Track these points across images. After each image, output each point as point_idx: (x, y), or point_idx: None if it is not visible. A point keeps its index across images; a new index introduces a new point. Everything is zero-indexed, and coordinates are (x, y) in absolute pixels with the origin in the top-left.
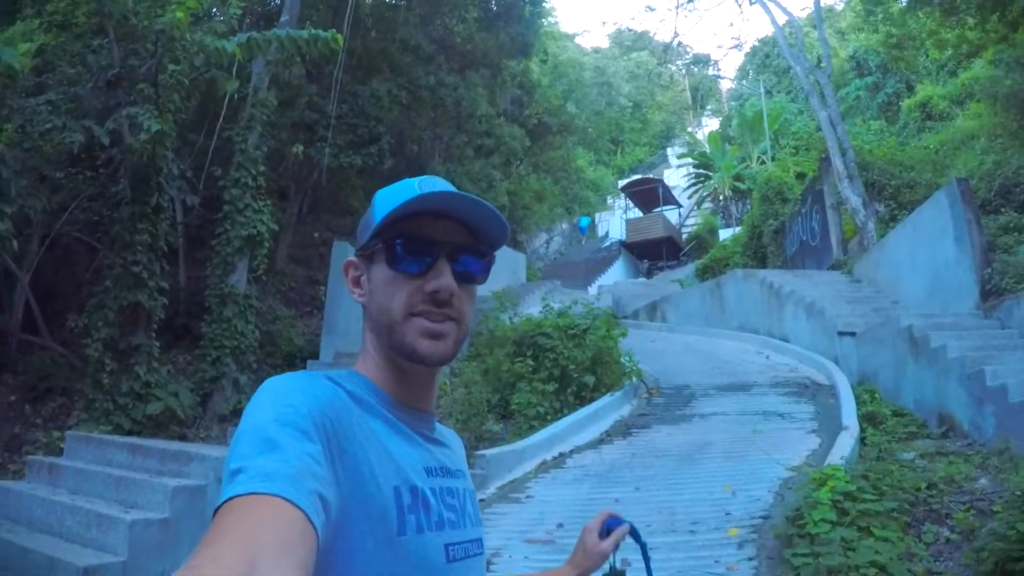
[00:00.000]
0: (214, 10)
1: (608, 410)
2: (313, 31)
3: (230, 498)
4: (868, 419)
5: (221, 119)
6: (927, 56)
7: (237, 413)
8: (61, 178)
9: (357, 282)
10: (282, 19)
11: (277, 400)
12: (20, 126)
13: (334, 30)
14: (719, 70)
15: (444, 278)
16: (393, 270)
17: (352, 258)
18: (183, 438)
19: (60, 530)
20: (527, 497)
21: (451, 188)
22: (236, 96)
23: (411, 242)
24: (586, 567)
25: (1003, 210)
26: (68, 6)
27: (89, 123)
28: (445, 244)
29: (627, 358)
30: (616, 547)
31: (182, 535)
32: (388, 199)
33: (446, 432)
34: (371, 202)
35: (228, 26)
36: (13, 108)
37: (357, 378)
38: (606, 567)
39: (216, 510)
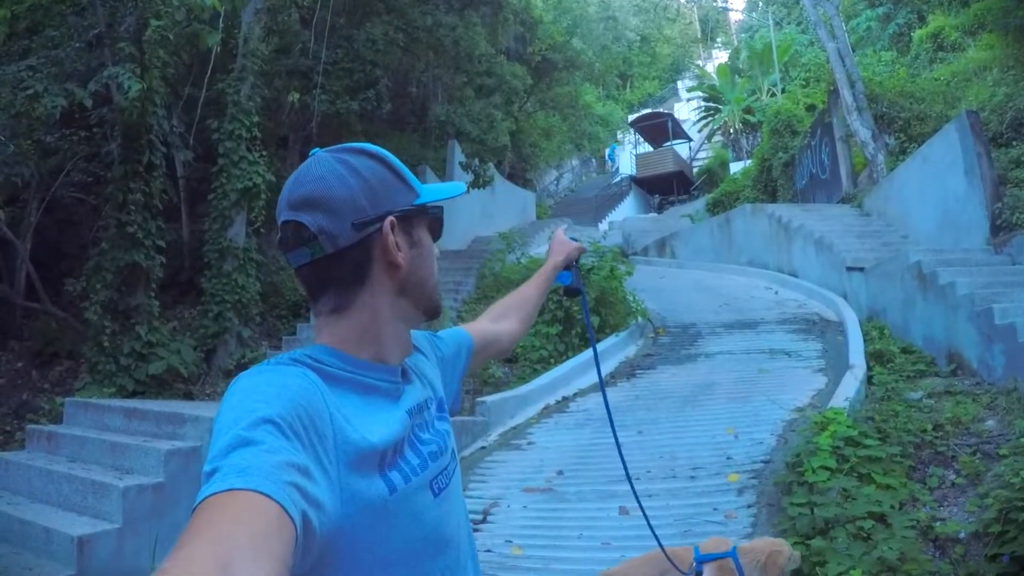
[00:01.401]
0: None
1: (613, 351)
2: None
3: (205, 498)
4: (876, 357)
5: (210, 71)
6: None
7: (242, 367)
8: (55, 141)
9: (396, 244)
10: None
11: (246, 399)
12: (4, 93)
13: None
14: (727, 2)
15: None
16: (433, 237)
17: (393, 219)
18: (188, 395)
19: (58, 499)
20: (528, 444)
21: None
22: (228, 46)
23: (437, 219)
24: (565, 252)
25: (1015, 143)
26: None
27: (72, 86)
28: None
29: (632, 297)
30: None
31: (177, 499)
32: (404, 169)
33: (410, 357)
34: (378, 155)
35: None
36: None
37: (322, 351)
38: (567, 278)
39: (192, 511)
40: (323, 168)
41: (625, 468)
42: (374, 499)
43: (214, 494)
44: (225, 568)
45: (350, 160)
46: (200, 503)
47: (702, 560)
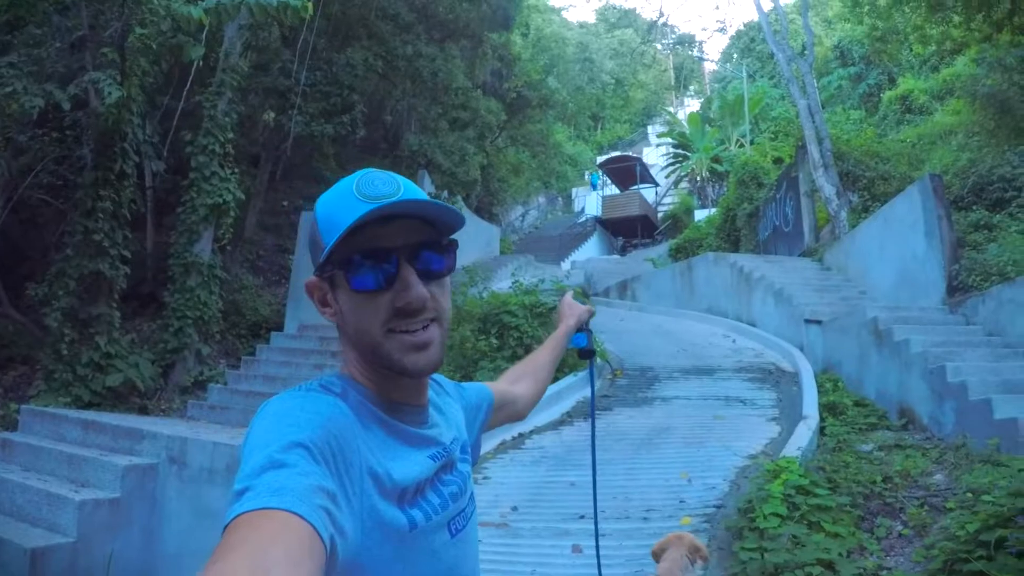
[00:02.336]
0: None
1: (571, 391)
2: None
3: (237, 515)
4: (829, 408)
5: (190, 83)
6: (911, 50)
7: (199, 385)
8: (26, 140)
9: (324, 301)
10: None
11: (280, 422)
12: None
13: None
14: (703, 52)
15: (412, 289)
16: (357, 292)
17: (312, 279)
18: (143, 410)
19: (11, 509)
20: (484, 479)
21: (392, 178)
22: (208, 60)
23: (368, 257)
24: (576, 315)
25: (975, 207)
26: None
27: (51, 87)
28: (403, 248)
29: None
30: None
31: (132, 515)
32: (330, 213)
33: (434, 396)
34: (314, 213)
35: None
36: None
37: (350, 384)
38: (582, 340)
39: (225, 527)
40: None
41: (595, 506)
42: (393, 534)
43: (248, 512)
44: None
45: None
46: (233, 520)
47: None
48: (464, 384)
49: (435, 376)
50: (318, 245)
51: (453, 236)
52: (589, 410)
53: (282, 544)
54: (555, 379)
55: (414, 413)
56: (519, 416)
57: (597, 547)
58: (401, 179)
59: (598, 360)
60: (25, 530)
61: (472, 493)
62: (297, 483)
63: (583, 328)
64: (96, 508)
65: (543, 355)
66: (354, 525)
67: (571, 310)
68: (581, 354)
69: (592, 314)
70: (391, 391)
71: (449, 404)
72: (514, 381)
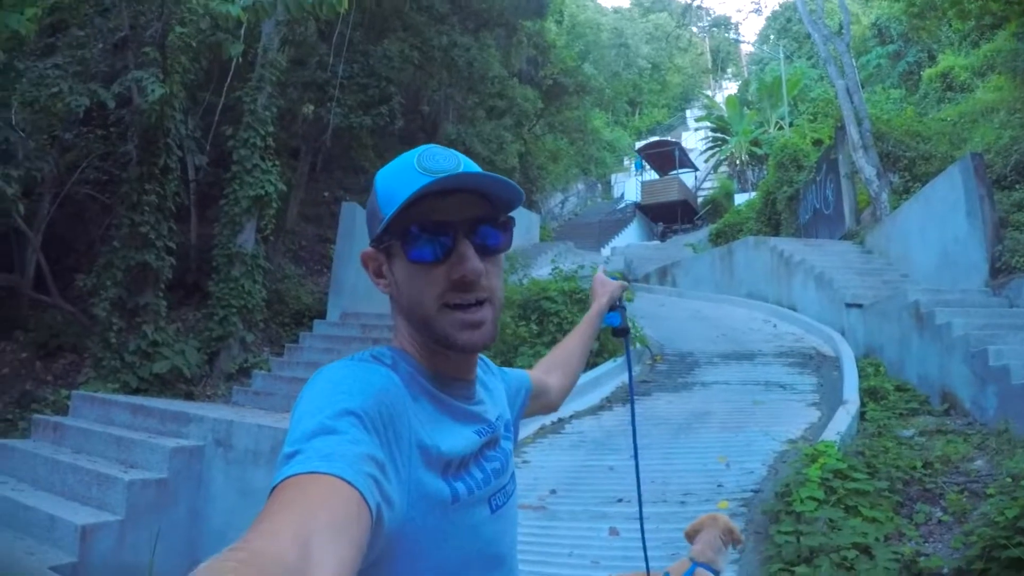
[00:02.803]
0: None
1: (610, 376)
2: None
3: (286, 477)
4: (870, 393)
5: (230, 78)
6: (950, 26)
7: (244, 372)
8: (72, 138)
9: (379, 272)
10: None
11: (333, 389)
12: (28, 89)
13: None
14: (739, 34)
15: (468, 262)
16: (414, 263)
17: (368, 249)
18: (189, 396)
19: (62, 488)
20: (523, 462)
21: (452, 154)
22: (247, 56)
23: (425, 229)
24: (608, 292)
25: (1017, 186)
26: None
27: (95, 87)
28: (461, 222)
29: (632, 323)
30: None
31: (179, 495)
32: (391, 185)
33: (481, 374)
34: (374, 184)
35: None
36: (20, 71)
37: (401, 356)
38: (616, 319)
39: (272, 489)
40: None
41: (639, 490)
42: (437, 505)
43: (296, 475)
44: (304, 545)
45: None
46: (281, 482)
47: None
48: (506, 368)
49: (482, 356)
50: (376, 216)
51: (511, 214)
52: (628, 393)
53: (328, 508)
54: (593, 365)
55: (463, 388)
56: (552, 407)
57: (643, 531)
58: (461, 156)
59: (637, 345)
60: (76, 508)
61: (513, 472)
62: (347, 450)
63: (616, 306)
64: (144, 488)
65: (574, 342)
66: (401, 496)
67: (603, 287)
68: (615, 332)
69: (625, 289)
70: (441, 365)
71: (494, 382)
72: (547, 372)
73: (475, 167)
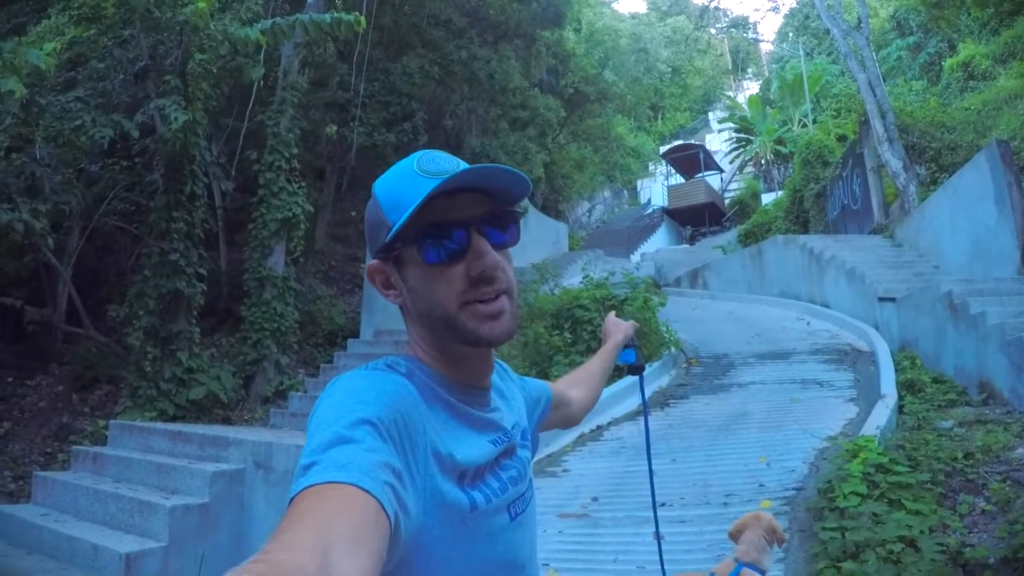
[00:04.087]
0: None
1: (646, 381)
2: (336, 14)
3: (304, 488)
4: (907, 387)
5: (252, 103)
6: (968, 14)
7: (280, 394)
8: (97, 170)
9: (388, 284)
10: (308, 1)
11: (348, 398)
12: (51, 124)
13: (357, 13)
14: (758, 33)
15: (487, 256)
16: (431, 265)
17: (374, 262)
18: (227, 421)
19: (104, 518)
20: (563, 471)
21: (450, 156)
22: (267, 79)
23: (440, 230)
24: (622, 331)
25: None
26: None
27: (118, 117)
28: (471, 220)
29: (665, 327)
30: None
31: (221, 519)
32: (394, 192)
33: (498, 381)
34: (373, 195)
35: (252, 12)
36: (43, 106)
37: (416, 365)
38: (631, 356)
39: (290, 501)
40: None
41: (653, 498)
42: (454, 514)
43: (314, 485)
44: (325, 554)
45: (369, 201)
46: (299, 492)
47: None
48: (526, 378)
49: (500, 362)
50: (382, 225)
51: (516, 208)
52: (671, 404)
53: (347, 517)
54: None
55: (478, 396)
56: (573, 420)
57: (661, 556)
58: (457, 158)
59: (672, 350)
60: (119, 537)
61: (531, 479)
62: (364, 459)
63: (631, 344)
64: (186, 513)
65: (594, 365)
66: (417, 504)
67: (616, 328)
68: (630, 370)
69: (637, 328)
70: (457, 372)
71: (512, 390)
72: (569, 386)
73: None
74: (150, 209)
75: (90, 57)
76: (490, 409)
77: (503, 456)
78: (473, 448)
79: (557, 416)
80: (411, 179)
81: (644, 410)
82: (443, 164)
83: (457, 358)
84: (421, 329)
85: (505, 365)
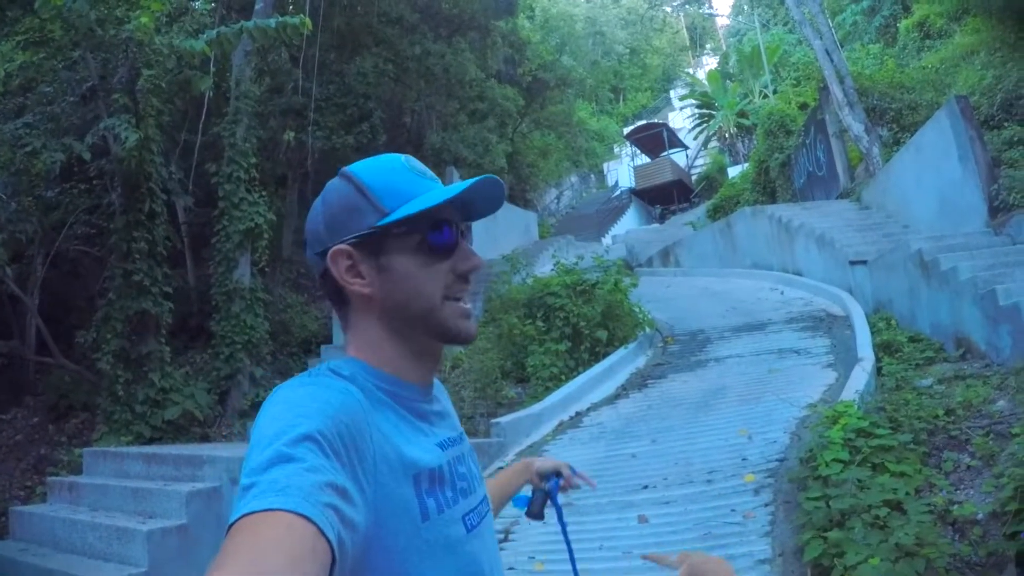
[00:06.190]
0: (195, 2)
1: (623, 363)
2: (280, 19)
3: (241, 516)
4: (884, 348)
5: (206, 115)
6: None
7: (257, 407)
8: (55, 195)
9: (354, 271)
10: (257, 7)
11: (288, 411)
12: (3, 152)
13: (302, 15)
14: (713, 8)
15: (474, 258)
16: (430, 256)
17: (341, 246)
18: (205, 438)
19: (83, 548)
20: None
21: (424, 168)
22: (221, 90)
23: (439, 226)
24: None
25: (1006, 124)
26: (39, 22)
27: (69, 140)
28: (457, 224)
29: (639, 308)
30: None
31: (201, 539)
32: (388, 181)
33: (437, 391)
34: (354, 178)
35: (199, 24)
36: None
37: (360, 367)
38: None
39: (229, 528)
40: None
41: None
42: (407, 523)
43: (252, 513)
44: None
45: (331, 186)
46: (237, 521)
47: None
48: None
49: (440, 384)
50: (365, 210)
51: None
52: (640, 381)
53: (284, 549)
54: (606, 354)
55: (422, 397)
56: None
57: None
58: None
59: (647, 330)
60: (98, 566)
61: (485, 497)
62: (304, 480)
63: (540, 485)
64: (164, 536)
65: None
66: (367, 516)
67: (528, 468)
68: (528, 514)
69: (554, 469)
70: (408, 370)
71: (451, 406)
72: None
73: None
74: (111, 231)
75: (40, 82)
76: (437, 403)
77: (456, 464)
78: (422, 451)
79: None
80: (405, 174)
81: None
82: (428, 169)
83: (415, 353)
84: (385, 323)
85: (444, 388)
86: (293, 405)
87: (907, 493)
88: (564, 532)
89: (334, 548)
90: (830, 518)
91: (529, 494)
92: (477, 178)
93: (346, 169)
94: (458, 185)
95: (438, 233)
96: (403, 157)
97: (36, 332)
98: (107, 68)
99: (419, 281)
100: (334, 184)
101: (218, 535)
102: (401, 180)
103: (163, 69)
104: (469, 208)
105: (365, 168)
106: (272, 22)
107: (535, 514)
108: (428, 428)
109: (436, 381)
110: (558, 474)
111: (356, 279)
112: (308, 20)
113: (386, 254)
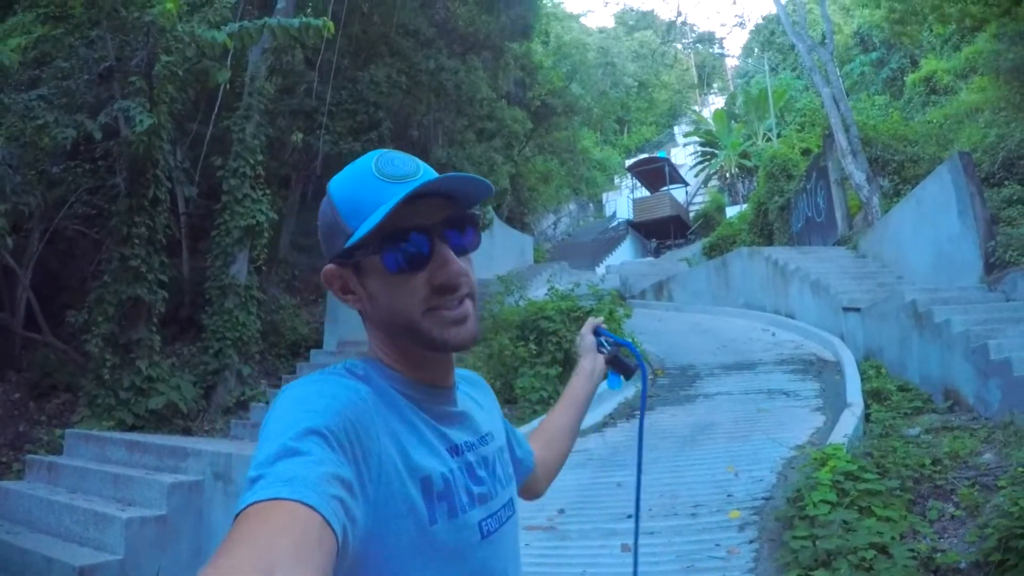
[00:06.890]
0: None
1: (612, 393)
2: (304, 19)
3: (248, 504)
4: (873, 395)
5: (218, 108)
6: (931, 31)
7: (241, 405)
8: (60, 172)
9: (346, 289)
10: (279, 5)
11: (297, 407)
12: (13, 122)
13: (326, 18)
14: (724, 48)
15: (451, 264)
16: (393, 274)
17: (330, 266)
18: (187, 431)
19: (59, 530)
20: None
21: (409, 157)
22: (234, 85)
23: (402, 238)
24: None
25: (1007, 183)
26: None
27: (82, 118)
28: (433, 226)
29: (631, 339)
30: (597, 334)
31: (179, 531)
32: (353, 195)
33: (471, 389)
34: (328, 196)
35: (220, 15)
36: (6, 104)
37: (375, 367)
38: (604, 352)
39: (235, 517)
40: None
41: (637, 509)
42: (412, 525)
43: (258, 502)
44: None
45: (322, 202)
46: (244, 510)
47: None
48: (519, 433)
49: (481, 380)
50: (337, 229)
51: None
52: (637, 415)
53: (290, 536)
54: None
55: (442, 394)
56: (536, 494)
57: (636, 548)
58: (416, 159)
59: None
60: (73, 550)
61: (512, 499)
62: (310, 472)
63: (609, 356)
64: (143, 525)
65: (561, 419)
66: (369, 514)
67: (586, 345)
68: (627, 376)
69: (599, 323)
70: (420, 374)
71: (490, 404)
72: (540, 448)
73: (433, 171)
74: (112, 213)
75: (55, 56)
76: (457, 405)
77: (477, 467)
78: (434, 454)
79: (528, 488)
80: (370, 183)
81: (641, 414)
82: (402, 167)
83: (419, 361)
84: (382, 334)
85: (486, 385)
86: (302, 401)
87: (893, 538)
88: (642, 363)
89: (339, 539)
90: (816, 557)
91: (610, 373)
92: (417, 182)
93: (329, 183)
94: (397, 195)
95: (395, 250)
96: (375, 158)
97: (26, 307)
98: (125, 50)
99: (392, 299)
100: (323, 200)
101: (198, 528)
102: (365, 192)
103: (182, 56)
104: (459, 196)
105: (339, 181)
106: (295, 22)
107: (630, 373)
108: (444, 430)
109: (477, 378)
110: (596, 333)
111: (348, 295)
112: (331, 23)
113: (363, 274)
